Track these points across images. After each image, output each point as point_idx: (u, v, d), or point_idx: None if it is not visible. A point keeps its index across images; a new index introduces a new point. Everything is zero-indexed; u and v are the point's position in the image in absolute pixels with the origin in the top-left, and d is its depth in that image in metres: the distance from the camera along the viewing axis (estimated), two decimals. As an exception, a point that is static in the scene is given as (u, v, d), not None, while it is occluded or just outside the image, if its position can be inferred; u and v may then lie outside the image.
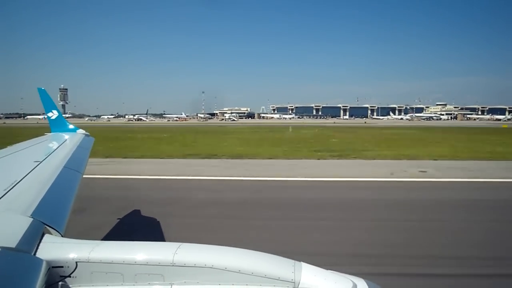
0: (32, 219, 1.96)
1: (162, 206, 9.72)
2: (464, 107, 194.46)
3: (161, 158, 20.34)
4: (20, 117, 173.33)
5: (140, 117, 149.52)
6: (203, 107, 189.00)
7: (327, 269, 1.71)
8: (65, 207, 2.53)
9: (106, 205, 9.84)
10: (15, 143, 5.14)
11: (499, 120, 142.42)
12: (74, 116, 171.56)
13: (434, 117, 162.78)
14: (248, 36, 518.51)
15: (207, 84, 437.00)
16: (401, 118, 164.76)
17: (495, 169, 16.20)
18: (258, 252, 1.76)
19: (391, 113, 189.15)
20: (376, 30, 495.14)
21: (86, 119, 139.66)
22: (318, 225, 8.28)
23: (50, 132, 7.18)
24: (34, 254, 1.68)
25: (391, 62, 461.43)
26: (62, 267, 1.69)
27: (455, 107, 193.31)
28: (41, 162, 3.52)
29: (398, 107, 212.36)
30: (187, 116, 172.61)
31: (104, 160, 18.04)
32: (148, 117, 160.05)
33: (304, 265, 1.70)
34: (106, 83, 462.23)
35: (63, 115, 8.11)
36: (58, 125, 7.43)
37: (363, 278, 1.70)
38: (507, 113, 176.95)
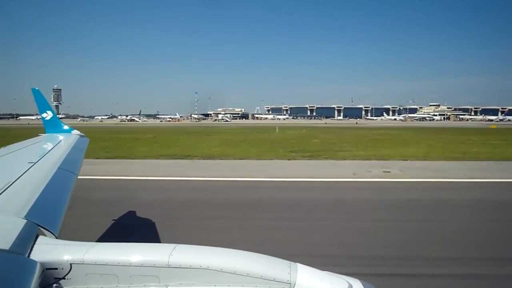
0: (26, 220, 1.94)
1: (94, 206, 9.68)
2: (457, 107, 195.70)
3: (133, 159, 20.33)
4: (12, 117, 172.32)
5: (133, 118, 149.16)
6: (196, 108, 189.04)
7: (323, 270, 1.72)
8: (60, 209, 2.52)
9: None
10: None
11: (491, 120, 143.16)
12: (67, 116, 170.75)
13: (427, 118, 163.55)
14: (245, 36, 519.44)
15: (203, 85, 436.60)
16: (395, 119, 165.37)
17: (459, 170, 16.33)
18: (253, 253, 1.76)
19: (384, 114, 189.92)
20: (374, 31, 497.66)
21: (79, 119, 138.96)
22: (241, 225, 8.36)
23: (44, 133, 7.15)
24: (28, 256, 1.66)
25: (387, 63, 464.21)
26: (56, 269, 1.67)
27: (448, 108, 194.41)
28: (35, 163, 3.50)
29: (392, 107, 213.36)
30: (181, 116, 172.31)
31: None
32: (141, 117, 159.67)
33: (300, 266, 1.70)
34: (101, 83, 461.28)
35: (57, 116, 8.11)
36: (52, 126, 7.39)
37: (358, 278, 1.71)
38: (499, 113, 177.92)
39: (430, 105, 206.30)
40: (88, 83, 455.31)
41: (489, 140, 35.83)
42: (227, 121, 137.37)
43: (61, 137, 6.33)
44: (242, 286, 1.63)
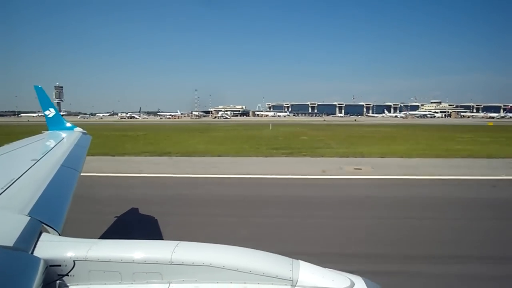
0: (29, 217, 1.94)
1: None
2: (459, 105, 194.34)
3: (112, 156, 20.48)
4: (14, 114, 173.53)
5: (132, 115, 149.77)
6: (196, 105, 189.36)
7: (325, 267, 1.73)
8: (63, 206, 2.52)
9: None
10: None
11: (493, 118, 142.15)
12: (69, 114, 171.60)
13: (428, 115, 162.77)
14: (247, 34, 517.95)
15: (204, 83, 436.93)
16: (395, 116, 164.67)
17: (430, 167, 16.34)
18: (256, 251, 1.77)
19: (385, 111, 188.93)
20: (375, 28, 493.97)
21: (79, 117, 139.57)
22: (168, 221, 8.30)
23: (47, 130, 7.15)
24: (32, 252, 1.67)
25: (390, 60, 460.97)
26: (59, 265, 1.68)
27: (450, 105, 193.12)
28: (38, 160, 3.51)
29: (394, 105, 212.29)
30: (182, 114, 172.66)
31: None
32: (141, 115, 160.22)
33: (302, 263, 1.71)
34: (103, 81, 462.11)
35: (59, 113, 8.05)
36: (55, 123, 7.35)
37: (361, 276, 1.71)
38: (501, 111, 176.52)
39: (432, 102, 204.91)
40: (90, 80, 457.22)
41: (479, 137, 35.71)
42: (226, 118, 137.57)
43: (63, 134, 6.35)
44: (245, 283, 1.63)
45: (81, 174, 3.71)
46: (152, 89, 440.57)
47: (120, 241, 1.85)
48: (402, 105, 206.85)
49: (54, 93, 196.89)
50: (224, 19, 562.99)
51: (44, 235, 1.86)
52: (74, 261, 1.68)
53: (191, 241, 1.81)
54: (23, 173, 2.91)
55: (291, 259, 1.72)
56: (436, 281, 5.61)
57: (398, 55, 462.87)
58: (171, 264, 1.66)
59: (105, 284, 1.69)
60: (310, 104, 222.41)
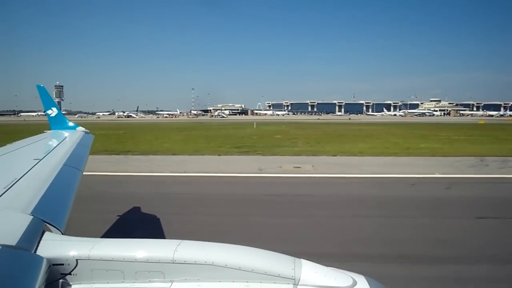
0: (32, 216, 1.95)
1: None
2: (459, 103, 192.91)
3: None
4: (14, 114, 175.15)
5: (130, 114, 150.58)
6: (193, 104, 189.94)
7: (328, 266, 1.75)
8: (65, 205, 2.53)
9: None
10: None
11: (492, 116, 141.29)
12: (69, 113, 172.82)
13: (427, 113, 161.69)
14: (247, 33, 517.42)
15: (205, 81, 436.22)
16: (395, 114, 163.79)
17: (374, 165, 16.50)
18: (258, 249, 1.78)
19: (384, 110, 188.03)
20: (377, 27, 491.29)
21: (77, 116, 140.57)
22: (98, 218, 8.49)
23: (49, 130, 7.15)
24: (35, 251, 1.68)
25: (391, 59, 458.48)
26: (62, 264, 1.69)
27: (450, 103, 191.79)
28: (41, 159, 3.52)
29: (393, 103, 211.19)
30: (180, 112, 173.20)
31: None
32: (138, 113, 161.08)
33: (304, 262, 1.71)
34: (103, 80, 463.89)
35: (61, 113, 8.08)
36: (57, 123, 7.39)
37: (363, 275, 1.72)
38: (502, 109, 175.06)
39: (431, 101, 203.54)
40: (90, 79, 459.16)
41: (457, 136, 35.70)
42: (223, 117, 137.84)
43: (66, 133, 6.36)
44: (247, 281, 1.63)
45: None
46: (153, 88, 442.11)
47: (123, 240, 1.86)
48: (401, 103, 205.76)
49: (54, 92, 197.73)
50: (225, 18, 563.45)
51: (47, 234, 1.86)
52: (77, 260, 1.69)
53: (192, 239, 1.82)
54: (26, 173, 2.93)
55: (293, 257, 1.73)
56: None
57: (400, 53, 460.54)
58: (173, 263, 1.67)
59: (107, 283, 1.70)
60: (310, 103, 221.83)
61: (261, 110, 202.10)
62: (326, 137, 33.41)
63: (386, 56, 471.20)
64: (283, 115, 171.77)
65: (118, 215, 8.72)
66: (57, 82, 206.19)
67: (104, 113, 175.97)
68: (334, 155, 19.82)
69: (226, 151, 21.91)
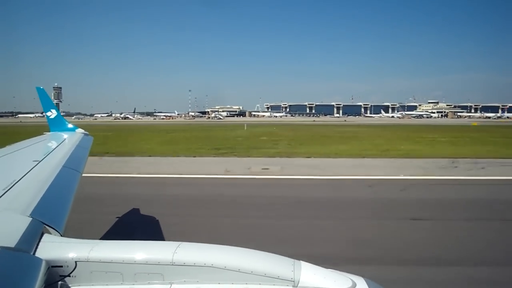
0: (31, 218, 1.95)
1: None
2: (457, 105, 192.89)
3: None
4: (12, 115, 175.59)
5: (127, 116, 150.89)
6: (189, 106, 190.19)
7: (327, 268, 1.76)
8: (64, 207, 2.52)
9: None
10: None
11: (489, 117, 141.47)
12: (67, 114, 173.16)
13: (425, 115, 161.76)
14: (246, 34, 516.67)
15: (204, 83, 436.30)
16: (392, 116, 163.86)
17: (343, 167, 16.57)
18: (257, 251, 1.77)
19: (382, 111, 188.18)
20: (376, 28, 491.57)
21: (73, 117, 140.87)
22: None
23: (49, 132, 7.18)
24: (34, 253, 1.67)
25: (391, 60, 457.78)
26: (61, 266, 1.68)
27: (448, 105, 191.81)
28: (40, 161, 3.52)
29: (392, 105, 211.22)
30: (178, 114, 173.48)
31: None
32: (135, 115, 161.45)
33: (304, 264, 1.71)
34: (102, 81, 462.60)
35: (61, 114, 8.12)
36: (57, 124, 7.40)
37: (362, 277, 1.72)
38: (500, 111, 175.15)
39: (429, 103, 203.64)
40: (89, 81, 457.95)
41: (443, 137, 35.81)
42: (220, 118, 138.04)
43: (65, 135, 6.37)
44: (246, 283, 1.63)
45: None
46: (151, 90, 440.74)
47: (122, 242, 1.86)
48: (399, 105, 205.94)
49: (52, 94, 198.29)
50: (224, 19, 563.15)
51: (46, 236, 1.87)
52: (76, 262, 1.69)
53: (193, 241, 1.83)
54: (25, 174, 2.92)
55: (292, 259, 1.73)
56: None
57: (400, 54, 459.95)
58: (172, 264, 1.66)
59: (106, 285, 1.69)
60: (308, 104, 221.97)
61: (259, 111, 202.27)
62: (311, 139, 33.50)
63: (386, 57, 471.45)
64: (280, 116, 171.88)
65: (117, 217, 8.71)
66: (56, 84, 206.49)
67: (102, 115, 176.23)
68: (308, 157, 19.88)
69: (204, 153, 22.00)
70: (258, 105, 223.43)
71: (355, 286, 1.62)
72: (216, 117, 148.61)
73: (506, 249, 6.81)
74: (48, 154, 4.08)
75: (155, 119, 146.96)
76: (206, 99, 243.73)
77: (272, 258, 1.75)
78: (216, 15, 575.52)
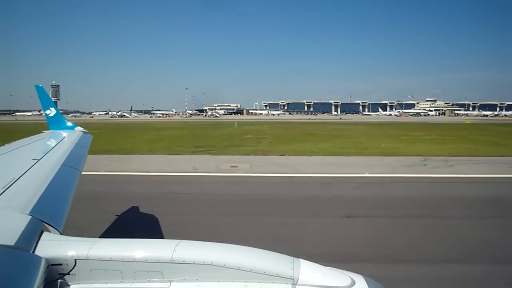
0: (30, 217, 1.95)
1: None
2: (455, 103, 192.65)
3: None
4: (9, 113, 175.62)
5: (123, 114, 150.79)
6: (186, 104, 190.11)
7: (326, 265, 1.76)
8: (64, 205, 2.53)
9: None
10: None
11: (486, 116, 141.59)
12: (65, 112, 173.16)
13: (422, 113, 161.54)
14: (246, 32, 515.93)
15: (203, 81, 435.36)
16: (390, 114, 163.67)
17: (312, 165, 16.68)
18: (257, 249, 1.78)
19: (380, 109, 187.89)
20: (376, 26, 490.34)
21: (70, 115, 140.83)
22: None
23: (48, 130, 7.14)
24: (33, 251, 1.68)
25: (390, 59, 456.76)
26: (61, 264, 1.69)
27: (446, 103, 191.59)
28: (39, 159, 3.53)
29: (390, 103, 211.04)
30: (175, 112, 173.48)
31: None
32: (132, 113, 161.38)
33: (303, 262, 1.71)
34: (101, 79, 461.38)
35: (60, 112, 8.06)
36: (56, 123, 7.37)
37: (361, 274, 1.72)
38: (498, 108, 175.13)
39: (427, 101, 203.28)
40: (87, 79, 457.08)
41: (429, 135, 35.90)
42: (216, 116, 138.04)
43: (64, 133, 6.37)
44: (246, 281, 1.64)
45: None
46: (150, 88, 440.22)
47: (121, 240, 1.86)
48: (396, 103, 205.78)
49: (50, 92, 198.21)
50: (224, 18, 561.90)
51: (45, 234, 1.86)
52: (75, 260, 1.69)
53: (192, 240, 1.84)
54: (24, 173, 2.92)
55: (292, 257, 1.73)
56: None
57: (399, 53, 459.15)
58: (172, 263, 1.67)
59: (106, 283, 1.69)
60: (306, 102, 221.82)
61: (256, 110, 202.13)
62: (296, 137, 33.61)
63: (386, 56, 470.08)
64: (278, 114, 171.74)
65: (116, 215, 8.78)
66: (54, 82, 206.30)
67: (100, 113, 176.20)
68: (282, 155, 20.00)
69: (182, 151, 22.09)
70: (256, 103, 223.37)
71: (354, 284, 1.63)
72: (212, 115, 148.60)
73: (421, 248, 6.90)
74: (47, 152, 4.09)
75: (151, 117, 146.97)
76: (204, 97, 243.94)
77: (272, 256, 1.76)
78: (215, 14, 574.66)
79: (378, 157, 19.55)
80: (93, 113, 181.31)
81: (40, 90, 7.44)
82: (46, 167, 3.25)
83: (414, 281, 5.59)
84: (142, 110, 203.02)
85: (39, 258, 1.61)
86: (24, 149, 4.58)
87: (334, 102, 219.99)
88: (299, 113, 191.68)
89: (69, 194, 2.82)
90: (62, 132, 6.66)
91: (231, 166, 16.11)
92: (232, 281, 1.64)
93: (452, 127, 53.11)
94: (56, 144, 4.97)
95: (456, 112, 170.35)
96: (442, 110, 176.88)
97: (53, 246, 1.76)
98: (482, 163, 17.02)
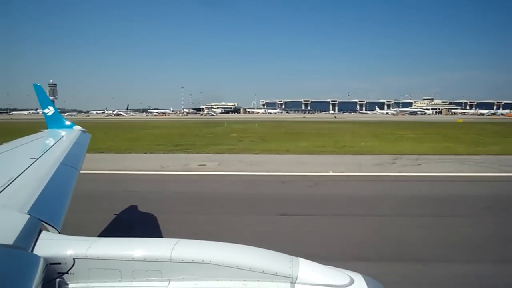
0: (29, 216, 1.95)
1: None
2: (452, 101, 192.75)
3: None
4: (6, 112, 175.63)
5: (119, 112, 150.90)
6: (182, 102, 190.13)
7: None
8: (62, 204, 2.53)
9: None
10: None
11: (483, 114, 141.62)
12: (62, 111, 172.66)
13: (419, 112, 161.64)
14: (245, 31, 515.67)
15: (202, 80, 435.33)
16: (387, 113, 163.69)
17: (283, 163, 16.77)
18: (255, 248, 1.79)
19: (377, 108, 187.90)
20: (375, 27, 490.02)
21: (66, 114, 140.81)
22: None
23: (46, 129, 7.17)
24: (32, 251, 1.67)
25: (389, 57, 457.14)
26: (59, 263, 1.68)
27: (443, 102, 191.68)
28: (37, 158, 3.52)
29: (387, 101, 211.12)
30: (172, 111, 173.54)
31: None
32: (128, 112, 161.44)
33: (302, 260, 1.71)
34: (99, 78, 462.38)
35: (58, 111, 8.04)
36: (54, 122, 7.36)
37: (360, 273, 1.72)
38: (495, 107, 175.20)
39: (424, 99, 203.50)
40: (86, 78, 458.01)
41: (414, 134, 36.06)
42: (212, 115, 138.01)
43: (63, 132, 6.34)
44: (244, 280, 1.64)
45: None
46: (148, 87, 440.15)
47: (120, 239, 1.86)
48: (394, 102, 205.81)
49: (48, 91, 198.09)
50: (223, 17, 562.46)
51: (43, 233, 1.86)
52: (74, 259, 1.69)
53: (191, 238, 1.84)
54: (23, 172, 2.91)
55: (290, 256, 1.74)
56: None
57: (399, 52, 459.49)
58: (170, 261, 1.67)
59: (105, 282, 1.69)
60: (304, 101, 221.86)
61: (253, 108, 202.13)
62: (280, 136, 33.68)
63: (385, 54, 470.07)
64: (275, 113, 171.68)
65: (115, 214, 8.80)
66: (51, 80, 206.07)
67: (98, 112, 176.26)
68: (256, 154, 20.08)
69: (159, 150, 22.15)
70: (254, 102, 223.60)
71: (353, 283, 1.63)
72: (208, 113, 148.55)
73: (343, 246, 6.97)
74: (45, 151, 4.07)
75: (147, 115, 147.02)
76: (201, 96, 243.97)
77: (270, 255, 1.76)
78: (214, 14, 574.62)
79: (352, 155, 19.65)
80: (90, 112, 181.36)
81: (38, 89, 7.44)
82: (44, 166, 3.26)
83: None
84: (140, 109, 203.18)
85: (37, 257, 1.61)
86: (22, 148, 4.57)
87: (332, 101, 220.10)
88: (296, 111, 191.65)
89: (68, 193, 2.82)
90: (60, 131, 6.64)
91: (199, 165, 16.17)
92: (231, 280, 1.64)
93: (442, 126, 53.21)
94: (55, 143, 4.96)
95: (453, 110, 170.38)
96: (439, 108, 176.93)
97: (52, 245, 1.76)
98: (450, 162, 17.11)
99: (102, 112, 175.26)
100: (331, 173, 14.12)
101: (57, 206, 2.45)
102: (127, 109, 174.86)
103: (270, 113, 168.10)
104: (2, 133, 31.57)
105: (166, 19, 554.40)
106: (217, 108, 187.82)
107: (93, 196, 10.30)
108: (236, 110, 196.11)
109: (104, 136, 34.10)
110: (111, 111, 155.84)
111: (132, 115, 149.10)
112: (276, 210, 9.12)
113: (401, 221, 8.43)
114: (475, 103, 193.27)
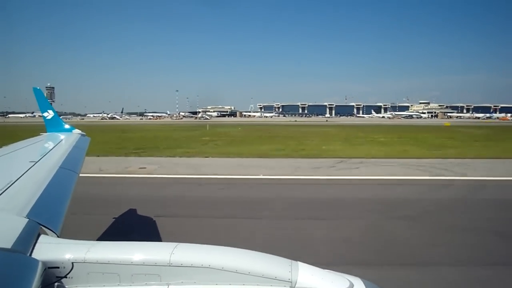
0: (27, 219, 1.95)
1: None
2: (449, 105, 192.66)
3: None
4: (3, 115, 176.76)
5: (114, 116, 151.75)
6: (177, 106, 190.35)
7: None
8: (61, 208, 2.53)
9: None
10: None
11: (478, 118, 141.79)
12: (60, 115, 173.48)
13: (414, 116, 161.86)
14: (243, 34, 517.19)
15: (199, 83, 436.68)
16: (383, 117, 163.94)
17: (224, 167, 16.97)
18: (255, 252, 1.78)
19: (373, 112, 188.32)
20: (373, 30, 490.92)
21: (61, 117, 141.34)
22: None
23: (46, 132, 7.22)
24: (30, 254, 1.67)
25: (389, 61, 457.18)
26: (58, 267, 1.68)
27: (440, 105, 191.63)
28: (36, 162, 3.53)
29: (384, 105, 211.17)
30: (168, 114, 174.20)
31: None
32: (123, 115, 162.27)
33: (301, 265, 1.71)
34: (96, 82, 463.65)
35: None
36: (53, 125, 7.44)
37: (359, 277, 1.72)
38: (491, 111, 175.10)
39: (420, 103, 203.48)
40: (83, 81, 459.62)
41: (389, 137, 36.14)
42: (207, 118, 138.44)
43: (62, 136, 6.39)
44: (244, 284, 1.63)
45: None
46: (146, 90, 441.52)
47: (119, 243, 1.86)
48: (390, 105, 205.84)
49: (45, 94, 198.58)
50: (222, 19, 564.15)
51: (42, 237, 1.86)
52: (72, 263, 1.68)
53: (190, 242, 1.85)
54: (22, 175, 2.92)
55: (290, 260, 1.73)
56: None
57: (397, 55, 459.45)
58: (169, 265, 1.67)
59: (103, 286, 1.69)
60: (301, 104, 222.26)
61: (250, 112, 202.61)
62: (249, 139, 33.87)
63: (384, 58, 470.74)
64: (271, 117, 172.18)
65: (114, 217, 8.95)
66: (48, 84, 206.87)
67: (95, 115, 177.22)
68: (206, 157, 20.37)
69: (114, 153, 22.06)
70: (251, 105, 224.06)
71: (353, 287, 1.64)
72: (203, 117, 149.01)
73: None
74: (45, 155, 4.12)
75: (142, 119, 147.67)
76: (197, 99, 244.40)
77: (270, 259, 1.76)
78: (213, 16, 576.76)
79: (301, 159, 19.86)
80: (88, 115, 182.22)
81: (38, 93, 7.53)
82: (43, 170, 3.27)
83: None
84: (137, 112, 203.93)
85: (36, 261, 1.60)
86: (22, 152, 4.62)
87: (329, 105, 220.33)
88: (293, 115, 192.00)
89: (67, 196, 2.81)
90: (59, 134, 6.70)
91: (139, 168, 16.42)
92: (230, 284, 1.64)
93: (424, 129, 53.26)
94: (54, 147, 5.01)
95: (448, 114, 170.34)
96: (435, 112, 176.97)
97: (50, 249, 1.76)
98: (391, 165, 17.26)
99: (99, 116, 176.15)
100: (261, 176, 14.31)
101: (56, 210, 2.46)
102: (121, 112, 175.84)
103: (266, 117, 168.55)
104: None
105: (164, 22, 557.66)
106: (213, 111, 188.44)
107: None
108: (233, 114, 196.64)
109: (96, 139, 34.37)
110: (105, 115, 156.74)
111: (126, 118, 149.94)
112: (158, 212, 9.27)
113: (264, 222, 8.61)
114: (472, 106, 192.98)
